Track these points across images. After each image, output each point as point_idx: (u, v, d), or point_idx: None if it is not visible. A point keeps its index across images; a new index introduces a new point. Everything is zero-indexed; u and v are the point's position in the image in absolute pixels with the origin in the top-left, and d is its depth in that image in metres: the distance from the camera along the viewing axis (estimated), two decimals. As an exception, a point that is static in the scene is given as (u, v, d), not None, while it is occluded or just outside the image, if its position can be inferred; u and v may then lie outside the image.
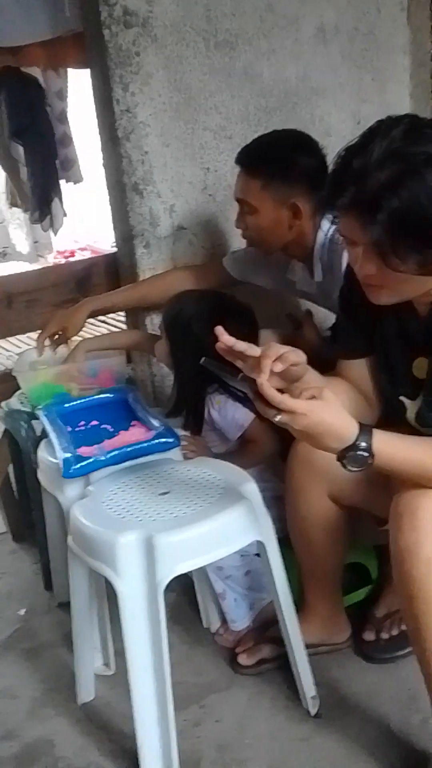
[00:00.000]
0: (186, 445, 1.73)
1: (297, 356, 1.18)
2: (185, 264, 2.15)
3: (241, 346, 1.17)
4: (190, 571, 1.68)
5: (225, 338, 1.17)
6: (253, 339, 1.65)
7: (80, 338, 2.03)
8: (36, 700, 1.66)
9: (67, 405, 1.89)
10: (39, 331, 2.03)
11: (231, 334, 1.19)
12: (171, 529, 1.34)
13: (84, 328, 2.05)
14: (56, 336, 2.00)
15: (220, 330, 1.18)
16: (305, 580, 1.64)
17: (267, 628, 1.68)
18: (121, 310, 2.22)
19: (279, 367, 1.15)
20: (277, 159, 1.70)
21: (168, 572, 1.32)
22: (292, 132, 1.81)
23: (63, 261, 4.42)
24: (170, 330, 1.76)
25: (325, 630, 1.65)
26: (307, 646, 1.55)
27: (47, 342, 2.00)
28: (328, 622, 1.65)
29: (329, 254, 1.74)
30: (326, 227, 1.72)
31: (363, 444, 1.13)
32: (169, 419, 1.74)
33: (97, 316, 2.12)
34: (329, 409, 1.13)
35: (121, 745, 1.50)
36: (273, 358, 1.14)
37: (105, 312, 2.13)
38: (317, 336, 1.84)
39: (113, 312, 2.24)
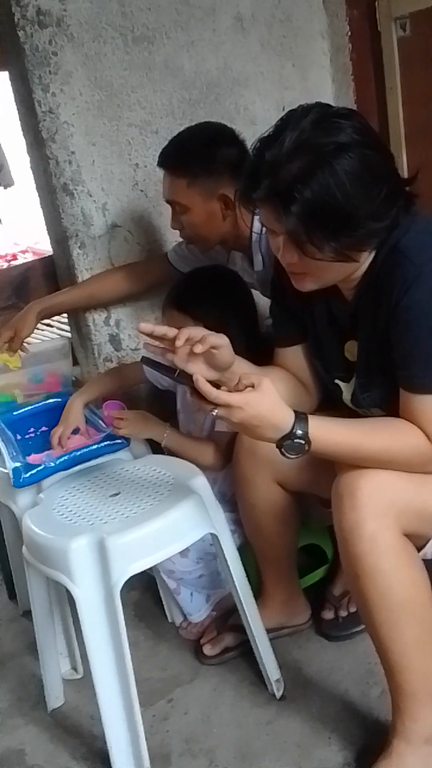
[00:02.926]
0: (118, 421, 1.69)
1: (218, 339, 1.21)
2: (124, 262, 2.14)
3: (160, 330, 1.20)
4: (150, 568, 1.70)
5: (142, 326, 1.19)
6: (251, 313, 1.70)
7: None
8: (4, 711, 1.67)
9: (14, 413, 1.88)
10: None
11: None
12: (122, 530, 1.35)
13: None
14: (10, 341, 1.96)
15: (142, 326, 1.19)
16: (261, 566, 1.66)
17: (228, 616, 1.70)
18: (69, 310, 2.20)
19: (200, 348, 1.18)
20: (196, 154, 1.70)
21: (123, 573, 1.33)
22: (205, 125, 1.81)
23: (5, 265, 4.36)
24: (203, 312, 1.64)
25: (284, 613, 1.68)
26: (269, 631, 1.58)
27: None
28: (287, 605, 1.69)
29: (267, 243, 1.75)
30: (261, 222, 1.73)
31: (299, 432, 1.15)
32: None
33: (46, 317, 2.09)
34: (264, 400, 1.14)
35: (92, 748, 1.52)
36: (187, 334, 1.18)
37: (53, 313, 2.11)
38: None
39: (61, 312, 2.22)
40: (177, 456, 1.68)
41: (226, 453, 1.67)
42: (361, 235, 1.16)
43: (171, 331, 1.19)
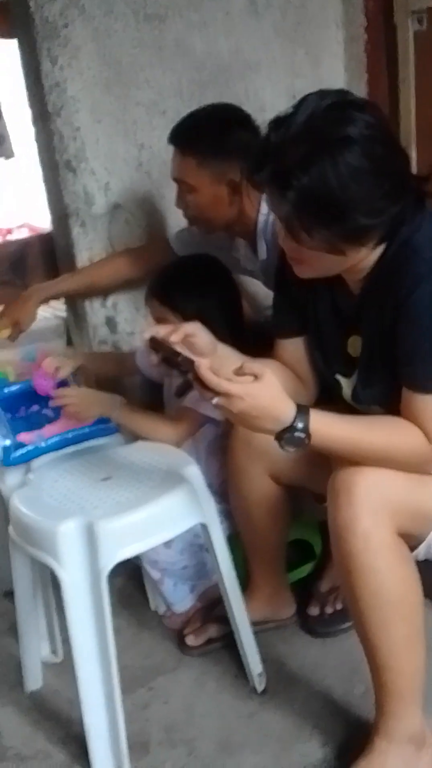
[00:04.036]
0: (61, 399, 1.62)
1: (190, 327, 1.25)
2: (124, 243, 2.11)
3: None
4: (136, 556, 1.69)
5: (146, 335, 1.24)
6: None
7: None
8: (-18, 692, 1.65)
9: (5, 391, 1.85)
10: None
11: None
12: (112, 516, 1.33)
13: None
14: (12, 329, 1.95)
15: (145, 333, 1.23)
16: (249, 558, 1.66)
17: (213, 607, 1.70)
18: (69, 296, 2.18)
19: (175, 337, 1.21)
20: (209, 135, 1.67)
21: (110, 559, 1.31)
22: (222, 106, 1.78)
23: (1, 239, 4.30)
24: (183, 304, 1.64)
25: (270, 607, 1.68)
26: (253, 624, 1.57)
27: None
28: (273, 598, 1.68)
29: (272, 232, 1.73)
30: (267, 204, 1.71)
31: (300, 425, 1.14)
32: None
33: (46, 303, 2.07)
34: (266, 391, 1.13)
35: (70, 732, 1.51)
36: (154, 332, 1.23)
37: (52, 299, 2.09)
38: None
39: (61, 298, 2.20)
40: (131, 432, 1.65)
41: (187, 430, 1.65)
42: (351, 229, 1.14)
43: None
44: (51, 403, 1.65)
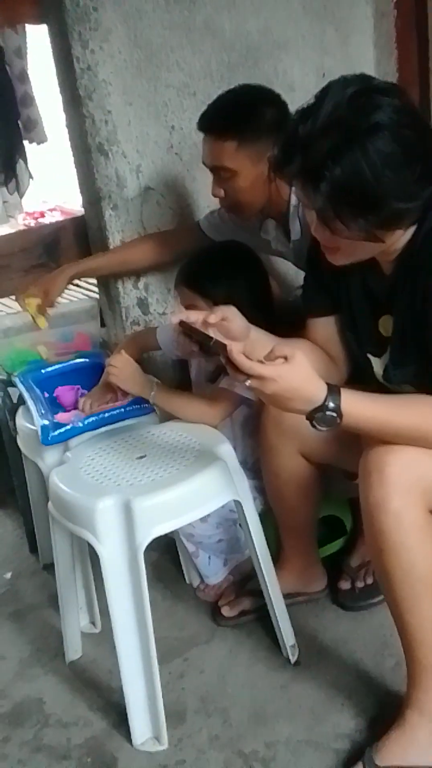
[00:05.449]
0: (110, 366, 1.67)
1: (226, 310, 1.29)
2: (156, 225, 2.13)
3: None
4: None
5: (174, 319, 1.28)
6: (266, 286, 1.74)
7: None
8: (24, 661, 1.71)
9: (43, 371, 1.90)
10: (12, 297, 2.01)
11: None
12: (148, 493, 1.37)
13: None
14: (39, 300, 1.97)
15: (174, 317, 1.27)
16: (282, 533, 1.69)
17: (246, 581, 1.73)
18: (101, 275, 2.21)
19: (213, 318, 1.25)
20: (244, 116, 1.64)
21: (147, 534, 1.35)
22: (248, 86, 1.76)
23: (33, 223, 4.34)
24: (213, 289, 1.66)
25: (301, 580, 1.71)
26: (285, 597, 1.61)
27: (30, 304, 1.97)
28: (305, 572, 1.71)
29: (306, 212, 1.72)
30: (297, 196, 1.70)
31: (331, 404, 1.16)
32: None
33: (76, 279, 2.10)
34: (297, 372, 1.14)
35: (109, 700, 1.56)
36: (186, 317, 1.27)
37: (84, 276, 2.11)
38: None
39: (93, 276, 2.23)
40: (167, 413, 1.66)
41: (225, 410, 1.66)
42: (388, 216, 1.14)
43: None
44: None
